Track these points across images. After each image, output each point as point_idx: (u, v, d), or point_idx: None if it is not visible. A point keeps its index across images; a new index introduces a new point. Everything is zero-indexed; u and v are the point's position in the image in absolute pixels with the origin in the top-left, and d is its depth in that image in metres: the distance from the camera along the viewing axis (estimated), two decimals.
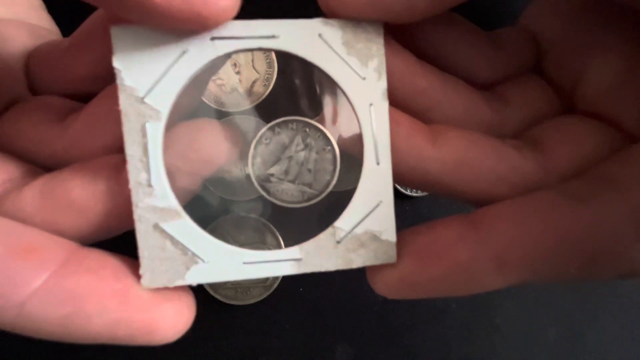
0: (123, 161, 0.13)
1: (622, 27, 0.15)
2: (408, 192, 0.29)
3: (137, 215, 0.12)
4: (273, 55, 0.26)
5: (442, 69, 0.16)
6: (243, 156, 0.15)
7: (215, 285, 0.27)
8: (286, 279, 0.28)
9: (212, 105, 0.26)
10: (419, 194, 0.29)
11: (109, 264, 0.12)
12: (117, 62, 0.12)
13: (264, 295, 0.27)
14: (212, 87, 0.26)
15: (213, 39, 0.13)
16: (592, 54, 0.16)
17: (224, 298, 0.27)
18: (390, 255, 0.14)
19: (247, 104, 0.26)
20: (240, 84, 0.26)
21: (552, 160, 0.15)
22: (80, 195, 0.13)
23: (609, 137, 0.15)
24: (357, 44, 0.13)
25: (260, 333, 0.28)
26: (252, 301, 0.27)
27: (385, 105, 0.14)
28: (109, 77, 0.13)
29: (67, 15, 0.15)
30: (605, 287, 0.31)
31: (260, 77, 0.27)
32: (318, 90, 0.16)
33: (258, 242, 0.27)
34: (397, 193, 0.29)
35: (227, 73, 0.26)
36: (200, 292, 0.27)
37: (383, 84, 0.14)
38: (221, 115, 0.26)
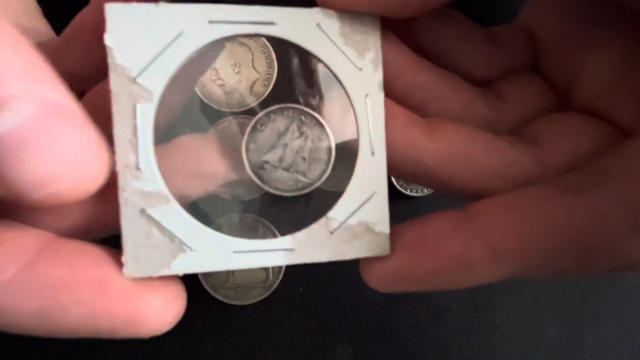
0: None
1: (618, 25, 0.16)
2: (408, 192, 0.29)
3: (122, 199, 0.12)
4: (273, 55, 0.26)
5: (439, 65, 0.16)
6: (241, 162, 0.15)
7: (215, 285, 0.27)
8: (286, 279, 0.28)
9: (212, 105, 0.26)
10: (419, 193, 0.29)
11: (87, 253, 0.12)
12: (109, 40, 0.12)
13: (264, 295, 0.27)
14: (212, 87, 0.26)
15: (211, 22, 0.12)
16: (588, 52, 0.16)
17: (224, 298, 0.27)
18: (384, 248, 0.14)
19: (247, 104, 0.26)
20: (240, 84, 0.26)
21: (548, 156, 0.15)
22: None
23: (605, 133, 0.15)
24: (355, 36, 0.13)
25: (260, 333, 0.28)
26: (252, 301, 0.27)
27: (380, 96, 0.14)
28: (100, 75, 0.12)
29: (66, 20, 0.15)
30: (605, 287, 0.31)
31: (260, 77, 0.27)
32: (318, 87, 0.16)
33: None
34: (397, 193, 0.29)
35: (227, 73, 0.26)
36: (200, 292, 0.27)
37: (379, 76, 0.14)
38: (221, 115, 0.26)
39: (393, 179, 0.28)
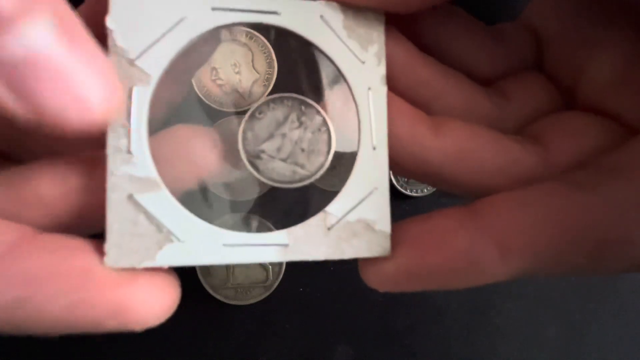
0: (99, 158, 0.12)
1: (622, 23, 0.16)
2: (408, 192, 0.29)
3: (110, 184, 0.11)
4: (273, 55, 0.26)
5: (443, 63, 0.16)
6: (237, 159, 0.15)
7: (215, 285, 0.27)
8: (286, 279, 0.28)
9: (212, 105, 0.26)
10: (419, 193, 0.29)
11: (68, 244, 0.11)
12: (110, 22, 0.12)
13: (264, 295, 0.27)
14: (212, 87, 0.26)
15: (214, 9, 0.12)
16: (593, 50, 0.16)
17: (224, 298, 0.27)
18: (384, 248, 0.13)
19: (247, 104, 0.26)
20: (240, 84, 0.26)
21: (553, 154, 0.15)
22: (48, 190, 0.12)
23: (610, 131, 0.15)
24: (358, 29, 0.13)
25: (260, 333, 0.28)
26: (252, 301, 0.27)
27: (383, 90, 0.14)
28: None
29: None
30: (606, 287, 0.31)
31: (260, 77, 0.27)
32: (320, 80, 0.16)
33: None
34: (397, 193, 0.29)
35: (227, 73, 0.26)
36: (200, 292, 0.27)
37: (382, 70, 0.14)
38: (221, 115, 0.26)
39: (393, 179, 0.28)
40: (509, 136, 0.15)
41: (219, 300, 0.27)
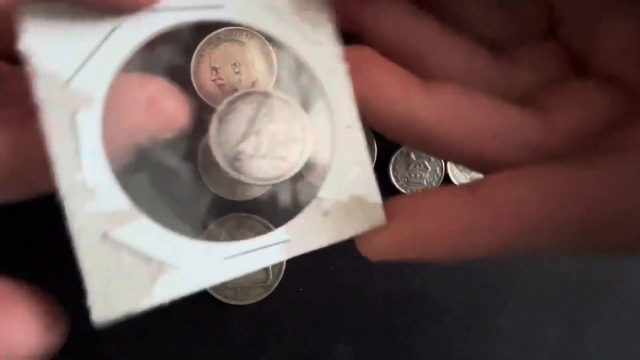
0: (29, 111, 0.10)
1: None
2: (408, 193, 0.29)
3: (76, 228, 0.10)
4: (273, 55, 0.26)
5: (451, 26, 0.15)
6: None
7: (215, 285, 0.27)
8: (286, 279, 0.28)
9: (212, 105, 0.26)
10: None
11: None
12: (27, 47, 0.10)
13: (264, 295, 0.27)
14: (212, 87, 0.26)
15: (156, 10, 0.11)
16: (606, 16, 0.15)
17: (224, 298, 0.27)
18: (379, 217, 0.13)
19: None
20: (240, 84, 0.26)
21: (556, 120, 0.14)
22: None
23: (618, 100, 0.14)
24: (307, 12, 0.13)
25: (260, 333, 0.28)
26: (252, 301, 0.27)
27: (343, 68, 0.13)
28: None
29: None
30: (606, 287, 0.31)
31: (261, 77, 0.27)
32: (292, 71, 0.15)
33: None
34: (397, 193, 0.29)
35: (227, 73, 0.26)
36: (200, 292, 0.27)
37: (338, 49, 0.13)
38: None
39: (393, 180, 0.28)
40: (508, 101, 0.14)
41: (219, 300, 0.27)
